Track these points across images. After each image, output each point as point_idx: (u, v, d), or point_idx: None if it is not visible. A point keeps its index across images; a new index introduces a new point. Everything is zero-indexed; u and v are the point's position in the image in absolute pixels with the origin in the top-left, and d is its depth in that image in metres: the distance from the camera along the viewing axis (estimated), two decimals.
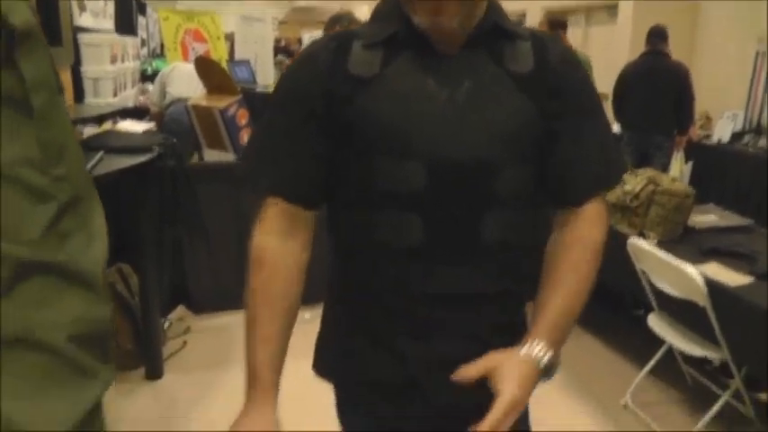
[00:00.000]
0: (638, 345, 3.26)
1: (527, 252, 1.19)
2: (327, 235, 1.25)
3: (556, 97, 1.12)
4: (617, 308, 3.70)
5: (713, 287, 2.45)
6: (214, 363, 3.42)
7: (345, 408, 1.31)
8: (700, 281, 2.43)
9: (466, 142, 1.09)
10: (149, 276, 3.25)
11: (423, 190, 1.09)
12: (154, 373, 3.27)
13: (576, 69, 1.16)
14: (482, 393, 1.12)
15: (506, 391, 1.04)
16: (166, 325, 3.77)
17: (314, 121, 1.13)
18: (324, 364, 1.29)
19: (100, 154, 2.78)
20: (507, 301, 1.22)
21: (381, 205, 1.11)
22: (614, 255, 2.91)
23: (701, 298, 2.44)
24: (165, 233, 3.55)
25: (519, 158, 1.12)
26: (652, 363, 2.94)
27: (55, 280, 0.60)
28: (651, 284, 2.79)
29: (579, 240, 1.17)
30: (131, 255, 3.29)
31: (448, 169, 1.08)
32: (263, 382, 1.12)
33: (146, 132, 3.55)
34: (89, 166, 2.59)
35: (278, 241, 1.15)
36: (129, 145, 3.09)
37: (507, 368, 1.07)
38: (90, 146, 2.93)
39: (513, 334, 1.19)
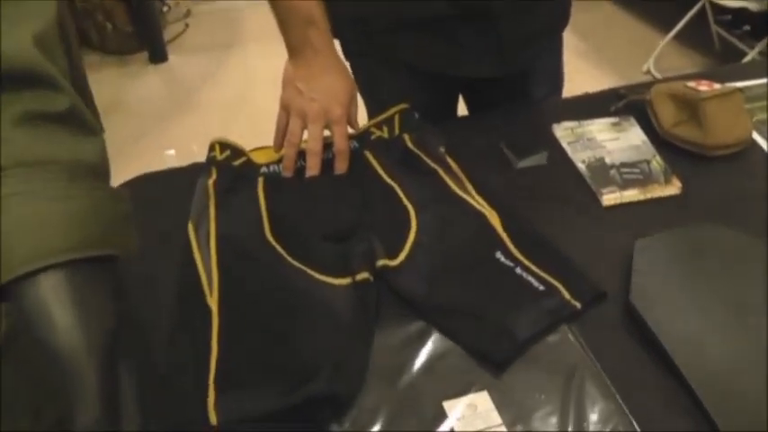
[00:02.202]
0: (665, 13, 3.08)
1: None
2: None
3: None
4: None
5: None
6: (219, 45, 3.32)
7: (377, 67, 1.15)
8: None
9: None
10: None
11: None
12: (157, 56, 3.18)
13: None
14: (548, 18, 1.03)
15: None
16: (165, 9, 3.60)
17: None
18: (342, 22, 1.10)
19: None
20: None
21: None
22: None
23: None
24: None
25: None
26: (681, 24, 2.79)
27: None
28: None
29: None
30: None
31: None
32: (326, 26, 0.99)
33: None
34: None
35: None
36: None
37: None
38: None
39: None
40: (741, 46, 2.78)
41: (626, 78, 2.85)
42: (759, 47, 2.50)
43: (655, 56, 2.89)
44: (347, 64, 1.14)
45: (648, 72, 2.91)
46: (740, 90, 1.03)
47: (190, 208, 0.92)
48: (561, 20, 1.19)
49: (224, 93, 2.91)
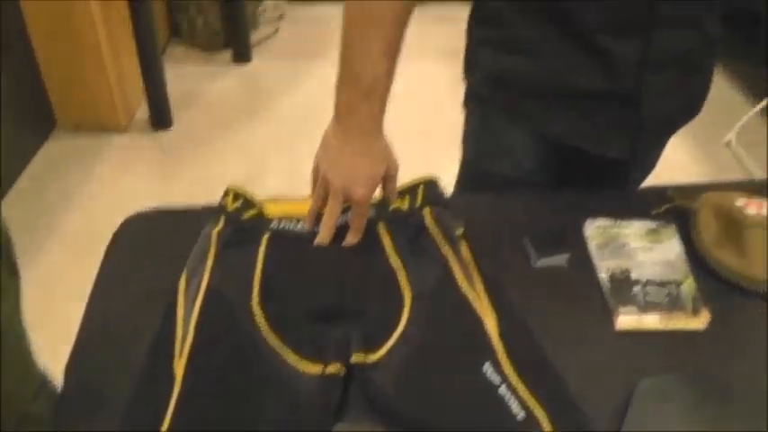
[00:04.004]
0: (760, 80, 2.91)
1: None
2: None
3: None
4: (746, 35, 3.24)
5: None
6: (305, 53, 3.33)
7: (505, 121, 1.10)
8: None
9: None
10: None
11: None
12: (241, 56, 3.22)
13: None
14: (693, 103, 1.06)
15: None
16: (260, 8, 3.64)
17: None
18: (482, 69, 1.09)
19: None
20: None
21: None
22: None
23: None
24: None
25: None
26: None
27: None
28: None
29: None
30: None
31: None
32: (382, 104, 0.92)
33: None
34: None
35: None
36: None
37: None
38: None
39: (717, 19, 1.03)
40: None
41: (704, 149, 2.70)
42: None
43: (738, 127, 2.73)
44: (464, 108, 1.15)
45: (729, 144, 2.75)
46: None
47: (189, 255, 0.90)
48: (701, 101, 1.14)
49: (298, 103, 2.92)
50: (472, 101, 1.14)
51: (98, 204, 2.35)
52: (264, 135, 2.72)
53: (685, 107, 1.12)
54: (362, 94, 0.90)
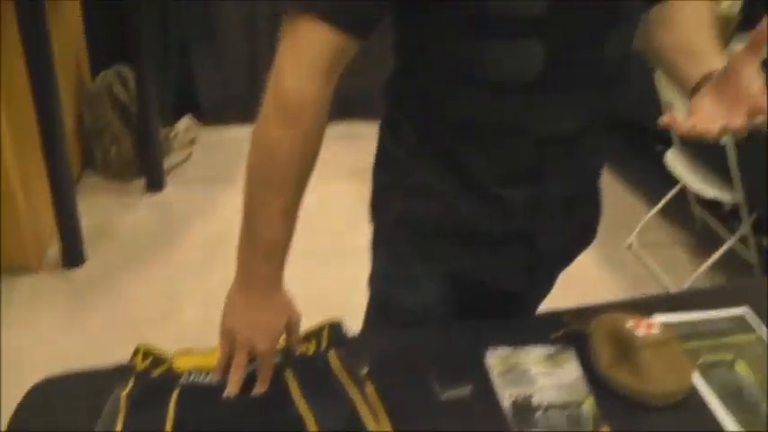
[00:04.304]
0: (652, 184, 3.11)
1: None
2: (398, 64, 1.04)
3: None
4: (635, 142, 3.53)
5: None
6: (218, 177, 3.37)
7: (411, 259, 1.13)
8: None
9: None
10: (148, 79, 3.05)
11: (545, 12, 0.88)
12: (154, 184, 3.23)
13: None
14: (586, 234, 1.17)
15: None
16: (172, 133, 3.67)
17: None
18: (388, 212, 1.13)
19: None
20: (606, 127, 1.10)
21: (494, 32, 0.90)
22: (640, 82, 2.69)
23: None
24: (168, 34, 3.33)
25: None
26: (662, 203, 2.82)
27: None
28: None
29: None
30: (132, 57, 3.10)
31: None
32: (281, 262, 0.96)
33: None
34: None
35: (320, 85, 0.89)
36: None
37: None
38: None
39: (603, 156, 1.16)
40: (719, 230, 2.80)
41: (608, 254, 2.86)
42: (734, 238, 2.52)
43: (638, 231, 2.91)
44: (372, 247, 1.18)
45: (630, 247, 2.92)
46: (677, 338, 1.01)
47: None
48: (593, 232, 1.24)
49: (212, 230, 2.92)
50: (378, 241, 1.19)
51: (5, 356, 2.23)
52: (179, 266, 2.70)
53: (579, 239, 1.21)
54: (262, 256, 0.95)
